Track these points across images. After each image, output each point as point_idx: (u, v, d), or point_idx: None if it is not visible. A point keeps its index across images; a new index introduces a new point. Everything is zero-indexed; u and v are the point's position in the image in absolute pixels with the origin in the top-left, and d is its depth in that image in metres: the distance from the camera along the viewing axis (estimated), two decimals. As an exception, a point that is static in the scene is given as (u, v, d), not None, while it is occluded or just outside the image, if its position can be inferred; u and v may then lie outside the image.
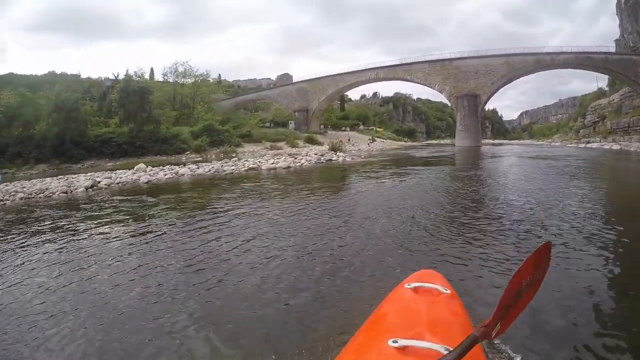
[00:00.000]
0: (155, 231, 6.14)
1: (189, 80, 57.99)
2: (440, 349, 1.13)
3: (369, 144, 53.95)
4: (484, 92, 53.09)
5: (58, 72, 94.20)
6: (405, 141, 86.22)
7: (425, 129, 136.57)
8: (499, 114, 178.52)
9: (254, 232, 5.79)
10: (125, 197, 10.55)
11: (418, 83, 58.90)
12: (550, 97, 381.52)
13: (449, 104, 60.64)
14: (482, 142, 58.56)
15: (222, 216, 7.16)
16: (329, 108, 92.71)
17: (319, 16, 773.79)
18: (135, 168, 19.14)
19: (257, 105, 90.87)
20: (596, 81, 66.45)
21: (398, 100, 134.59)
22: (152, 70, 71.46)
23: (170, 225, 6.59)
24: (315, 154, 27.60)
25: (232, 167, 18.25)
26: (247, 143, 45.54)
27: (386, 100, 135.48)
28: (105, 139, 36.27)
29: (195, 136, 41.34)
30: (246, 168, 18.03)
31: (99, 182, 14.12)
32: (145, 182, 14.72)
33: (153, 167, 19.97)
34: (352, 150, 38.91)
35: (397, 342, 1.18)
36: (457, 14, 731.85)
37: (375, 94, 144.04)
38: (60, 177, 17.19)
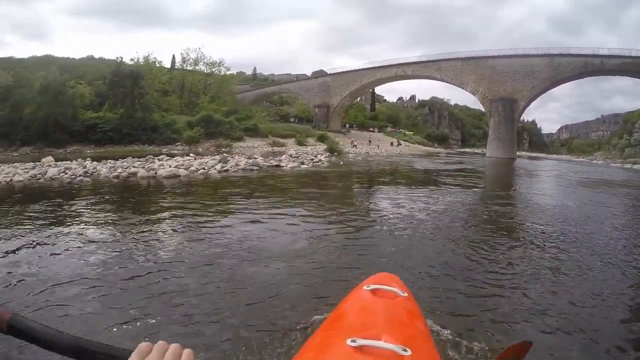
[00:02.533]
0: None
1: (203, 68, 54.62)
2: (397, 349, 1.10)
3: (378, 146, 46.71)
4: (523, 96, 44.66)
5: (97, 56, 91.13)
6: (434, 147, 78.07)
7: (461, 137, 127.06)
8: (538, 126, 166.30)
9: None
10: None
11: (449, 82, 50.75)
12: (592, 113, 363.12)
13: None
14: (517, 154, 49.89)
15: None
16: (358, 106, 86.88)
17: (363, 15, 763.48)
18: (42, 161, 14.66)
19: (284, 99, 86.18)
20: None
21: (434, 105, 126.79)
22: (173, 57, 66.52)
23: None
24: (293, 157, 20.52)
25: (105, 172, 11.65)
26: (251, 137, 40.46)
27: (422, 104, 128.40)
28: (91, 124, 32.94)
29: (192, 126, 37.12)
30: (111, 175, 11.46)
31: None
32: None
33: (109, 159, 15.02)
34: (350, 154, 32.21)
35: (355, 341, 1.12)
36: (502, 20, 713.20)
37: (412, 97, 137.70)
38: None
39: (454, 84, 50.33)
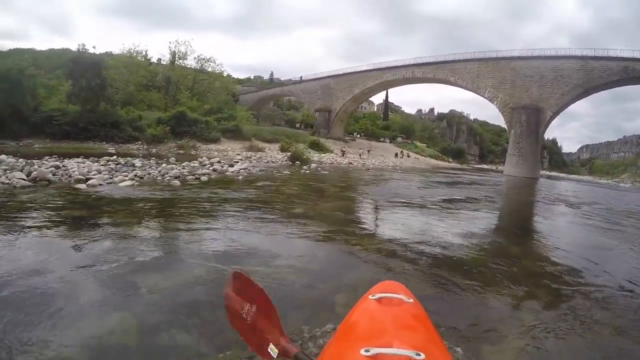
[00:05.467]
0: None
1: (193, 63, 48.18)
2: (411, 354, 1.06)
3: (360, 155, 39.12)
4: (550, 105, 36.20)
5: (114, 53, 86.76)
6: (449, 161, 69.65)
7: (479, 152, 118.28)
8: (559, 144, 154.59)
9: None
10: None
11: (464, 87, 42.73)
12: (612, 133, 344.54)
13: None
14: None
15: None
16: (373, 115, 79.41)
17: (383, 26, 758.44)
18: None
19: (292, 103, 79.59)
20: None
21: (452, 119, 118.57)
22: (174, 53, 60.01)
23: None
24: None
25: None
26: (229, 140, 34.72)
27: (440, 117, 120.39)
28: (48, 116, 27.67)
29: (161, 124, 32.06)
30: None
31: None
32: None
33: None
34: (324, 164, 25.40)
35: (368, 351, 1.09)
36: (523, 35, 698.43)
37: (431, 110, 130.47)
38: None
39: (469, 89, 42.36)
